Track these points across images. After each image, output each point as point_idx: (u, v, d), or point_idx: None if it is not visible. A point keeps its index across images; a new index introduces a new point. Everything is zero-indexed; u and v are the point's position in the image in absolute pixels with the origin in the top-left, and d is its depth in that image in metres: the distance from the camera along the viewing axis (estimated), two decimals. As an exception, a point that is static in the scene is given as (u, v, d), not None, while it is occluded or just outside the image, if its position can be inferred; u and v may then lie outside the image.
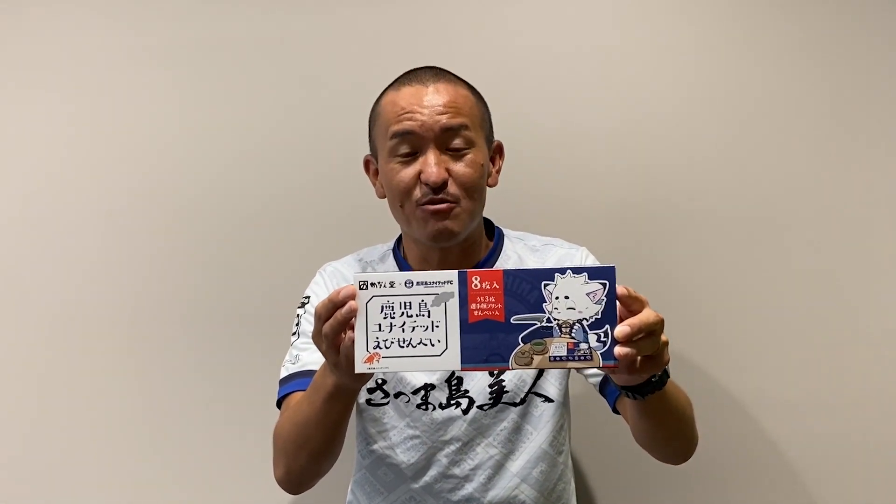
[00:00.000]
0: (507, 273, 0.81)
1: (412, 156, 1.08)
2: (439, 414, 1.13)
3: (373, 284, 0.82)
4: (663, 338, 0.82)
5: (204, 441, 1.52)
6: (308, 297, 1.20)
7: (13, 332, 1.54)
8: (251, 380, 1.49)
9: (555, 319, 0.80)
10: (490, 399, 1.12)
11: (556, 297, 0.80)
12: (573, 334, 0.80)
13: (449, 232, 1.08)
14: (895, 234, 1.43)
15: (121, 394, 1.52)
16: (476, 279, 0.81)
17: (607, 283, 0.79)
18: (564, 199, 1.48)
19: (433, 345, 0.81)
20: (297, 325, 1.19)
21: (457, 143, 1.07)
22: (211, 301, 1.52)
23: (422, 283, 0.82)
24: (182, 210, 1.53)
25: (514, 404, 1.13)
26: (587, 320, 0.80)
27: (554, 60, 1.49)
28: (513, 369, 0.81)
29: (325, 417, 0.98)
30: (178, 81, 1.53)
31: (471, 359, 0.81)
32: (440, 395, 1.13)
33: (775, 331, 1.44)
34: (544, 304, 0.80)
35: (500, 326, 0.80)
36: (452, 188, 1.07)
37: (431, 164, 1.05)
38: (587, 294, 0.79)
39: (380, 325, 0.82)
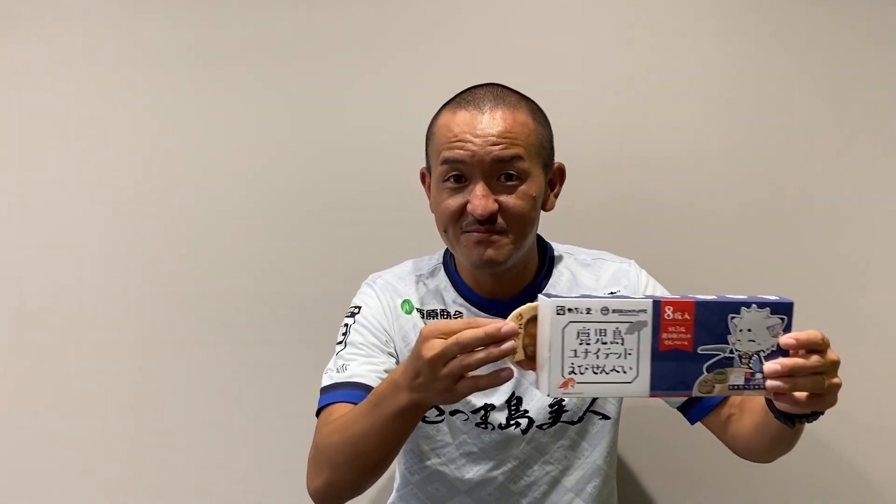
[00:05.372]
0: (699, 304, 0.83)
1: (461, 182, 1.04)
2: (498, 434, 1.12)
3: (570, 310, 0.81)
4: (835, 380, 0.85)
5: (218, 447, 1.54)
6: (359, 308, 1.16)
7: (46, 329, 1.54)
8: (275, 383, 1.52)
9: (737, 351, 0.84)
10: (550, 418, 1.13)
11: (740, 330, 0.84)
12: (751, 365, 0.84)
13: (493, 262, 1.04)
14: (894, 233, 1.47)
15: (128, 395, 1.54)
16: (669, 309, 0.83)
17: (786, 318, 0.85)
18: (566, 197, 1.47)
19: (625, 372, 0.83)
20: (345, 334, 1.14)
21: (509, 173, 1.03)
22: (240, 306, 1.54)
23: (617, 310, 0.82)
24: (209, 214, 1.53)
25: (573, 423, 1.14)
26: (764, 352, 0.84)
27: (553, 59, 1.49)
28: (694, 396, 0.85)
29: (389, 434, 0.94)
30: (196, 82, 1.53)
31: (659, 386, 0.83)
32: (500, 416, 1.12)
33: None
34: (728, 336, 0.84)
35: (687, 356, 0.83)
36: (501, 220, 1.03)
37: (479, 197, 1.02)
38: (767, 328, 0.84)
39: (575, 350, 0.82)
